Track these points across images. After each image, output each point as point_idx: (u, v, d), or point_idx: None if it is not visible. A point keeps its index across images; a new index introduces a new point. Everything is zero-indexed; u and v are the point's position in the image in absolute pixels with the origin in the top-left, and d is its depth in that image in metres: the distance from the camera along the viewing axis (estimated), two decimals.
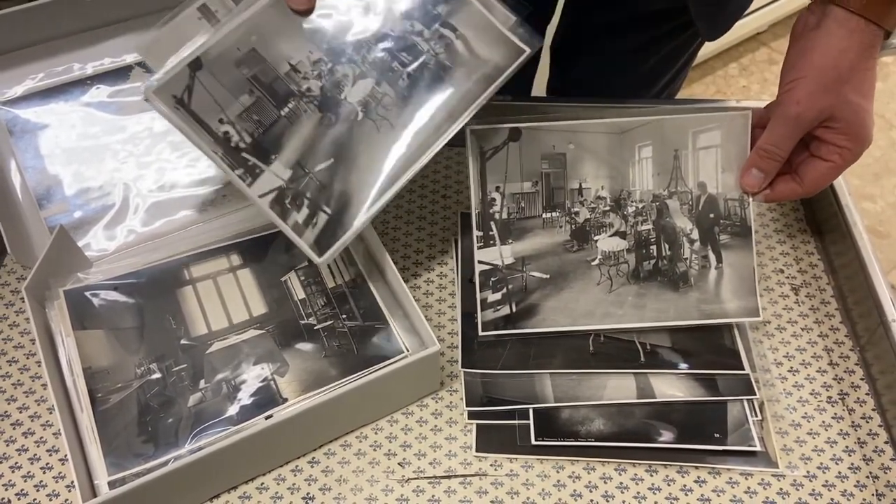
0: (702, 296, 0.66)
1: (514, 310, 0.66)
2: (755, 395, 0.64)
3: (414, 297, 0.70)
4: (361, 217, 0.60)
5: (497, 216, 0.67)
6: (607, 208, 0.67)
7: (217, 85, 0.58)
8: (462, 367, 0.66)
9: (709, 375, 0.65)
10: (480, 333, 0.65)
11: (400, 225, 0.77)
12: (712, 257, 0.67)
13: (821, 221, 0.77)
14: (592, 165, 0.67)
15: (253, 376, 0.61)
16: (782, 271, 0.74)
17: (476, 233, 0.67)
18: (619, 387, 0.64)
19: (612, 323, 0.65)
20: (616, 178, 0.67)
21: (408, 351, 0.63)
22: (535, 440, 0.61)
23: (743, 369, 0.65)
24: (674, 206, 0.67)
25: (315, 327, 0.64)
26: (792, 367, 0.67)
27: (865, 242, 0.70)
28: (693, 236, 0.67)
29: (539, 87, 1.11)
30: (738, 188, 0.66)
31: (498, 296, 0.66)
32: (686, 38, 0.92)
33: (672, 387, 0.64)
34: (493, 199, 0.67)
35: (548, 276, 0.67)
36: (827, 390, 0.65)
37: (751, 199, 0.66)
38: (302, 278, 0.67)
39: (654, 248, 0.67)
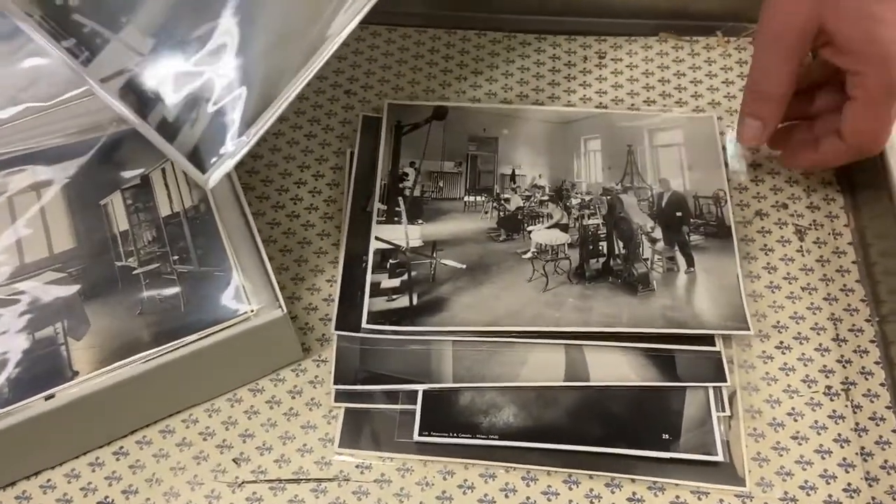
0: (669, 302, 0.50)
1: (414, 302, 0.49)
2: (726, 381, 0.47)
3: (290, 229, 0.54)
4: (271, 111, 0.42)
5: (407, 192, 0.54)
6: (546, 198, 0.56)
7: None
8: (336, 328, 0.49)
9: (665, 351, 0.48)
10: (364, 326, 0.49)
11: (284, 129, 0.59)
12: (681, 260, 0.52)
13: None
14: (529, 152, 0.57)
15: (37, 339, 0.45)
16: (785, 206, 0.55)
17: (378, 205, 0.53)
18: (542, 363, 0.48)
19: (546, 325, 0.49)
20: (558, 167, 0.57)
21: (252, 310, 0.46)
22: (419, 435, 0.46)
23: (713, 344, 0.48)
24: (629, 201, 0.55)
25: (134, 272, 0.48)
26: (782, 343, 0.49)
27: None
28: (655, 235, 0.53)
29: None
30: (709, 186, 0.54)
31: (396, 282, 0.50)
32: None
33: (613, 365, 0.48)
34: (406, 174, 0.55)
35: (464, 267, 0.51)
36: (827, 377, 0.48)
37: (729, 196, 0.54)
38: (129, 202, 0.50)
39: (603, 244, 0.53)
